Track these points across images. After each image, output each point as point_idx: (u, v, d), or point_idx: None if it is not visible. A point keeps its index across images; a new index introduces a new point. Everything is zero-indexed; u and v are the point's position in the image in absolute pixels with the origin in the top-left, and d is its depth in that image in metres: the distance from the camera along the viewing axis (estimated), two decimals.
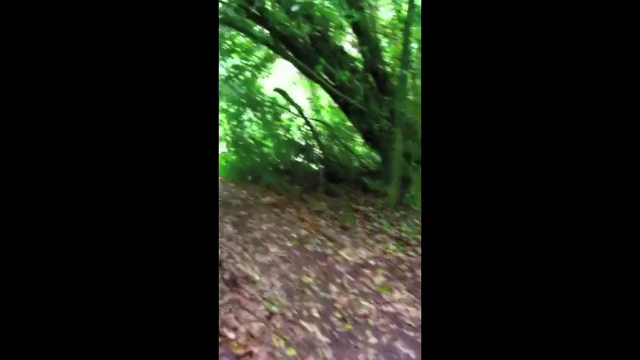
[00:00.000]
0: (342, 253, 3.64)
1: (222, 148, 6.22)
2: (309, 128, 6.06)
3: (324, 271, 3.30)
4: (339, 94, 4.96)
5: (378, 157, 5.93)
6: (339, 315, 2.75)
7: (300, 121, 6.13)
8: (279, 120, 6.23)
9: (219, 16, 3.46)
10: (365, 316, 2.75)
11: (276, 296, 2.86)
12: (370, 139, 5.58)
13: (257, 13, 4.30)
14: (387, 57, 5.56)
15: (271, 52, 5.56)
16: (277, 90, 5.91)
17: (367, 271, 3.36)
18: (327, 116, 6.69)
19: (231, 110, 5.94)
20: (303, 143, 6.18)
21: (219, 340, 2.35)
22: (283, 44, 4.87)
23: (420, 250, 3.69)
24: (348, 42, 5.84)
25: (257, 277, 3.06)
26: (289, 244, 3.70)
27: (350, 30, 5.28)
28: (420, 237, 3.89)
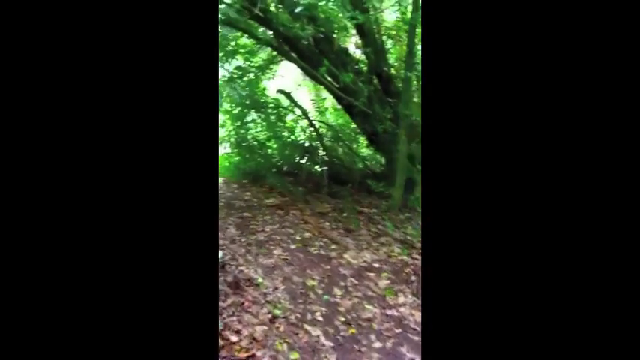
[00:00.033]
0: (347, 255, 3.61)
1: (226, 149, 6.21)
2: (313, 130, 6.03)
3: (328, 274, 3.27)
4: (343, 95, 4.94)
5: (382, 160, 5.91)
6: (343, 318, 2.72)
7: (304, 122, 6.11)
8: (283, 121, 6.20)
9: (222, 18, 3.45)
10: (369, 320, 2.73)
11: (279, 299, 2.84)
12: (374, 141, 5.55)
13: (260, 15, 4.28)
14: (391, 59, 5.54)
15: (275, 53, 5.54)
16: (281, 91, 5.89)
17: (372, 274, 3.33)
18: (331, 118, 6.66)
19: (235, 112, 5.92)
20: (307, 145, 6.15)
21: (222, 343, 2.33)
22: (287, 46, 4.85)
23: None
24: (352, 44, 5.82)
25: (260, 280, 3.03)
26: (293, 247, 3.68)
27: (354, 32, 5.26)
28: None
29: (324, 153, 6.00)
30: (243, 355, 2.28)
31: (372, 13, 4.72)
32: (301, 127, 6.27)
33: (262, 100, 6.02)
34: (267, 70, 6.10)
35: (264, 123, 6.17)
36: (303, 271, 3.28)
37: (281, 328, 2.54)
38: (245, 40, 5.79)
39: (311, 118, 6.04)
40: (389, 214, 4.64)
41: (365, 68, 5.29)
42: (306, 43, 4.88)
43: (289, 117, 6.27)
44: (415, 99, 5.02)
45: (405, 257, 3.65)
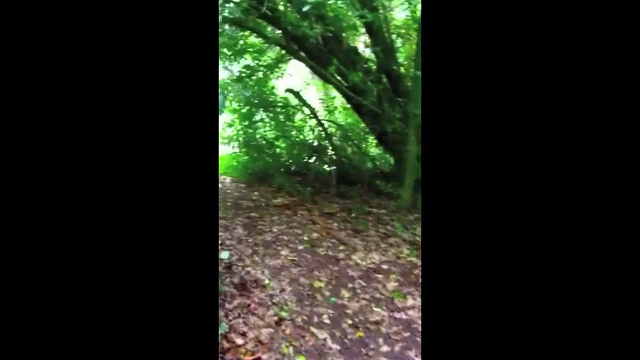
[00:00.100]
0: (355, 257, 3.57)
1: (235, 148, 6.19)
2: (321, 129, 6.00)
3: (336, 276, 3.24)
4: (352, 95, 4.90)
5: (391, 159, 5.86)
6: (350, 321, 2.69)
7: (313, 121, 6.08)
8: (292, 121, 6.18)
9: (230, 17, 3.42)
10: (377, 323, 2.69)
11: (286, 301, 2.81)
12: (383, 140, 5.51)
13: (269, 14, 4.26)
14: (400, 58, 5.49)
15: (284, 52, 5.51)
16: (289, 90, 5.86)
17: (380, 276, 3.29)
18: (340, 117, 6.62)
19: (244, 111, 5.91)
20: (315, 144, 6.12)
21: (228, 345, 2.31)
22: (295, 45, 4.82)
23: None
24: (361, 42, 5.78)
25: (267, 281, 3.01)
26: (300, 247, 3.65)
27: (363, 30, 5.22)
28: None
29: (333, 152, 5.97)
30: (249, 358, 2.25)
31: (381, 11, 4.67)
32: (310, 126, 6.24)
33: (271, 99, 6.00)
34: (276, 69, 6.08)
35: (272, 122, 6.15)
36: (310, 272, 3.25)
37: (287, 331, 2.51)
38: (254, 39, 5.77)
39: (320, 118, 6.01)
40: (398, 214, 4.59)
41: (374, 67, 5.25)
42: (314, 42, 4.84)
43: (298, 116, 6.25)
44: None
45: (413, 259, 3.61)
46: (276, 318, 2.60)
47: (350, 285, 3.12)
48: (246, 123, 6.02)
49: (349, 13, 4.58)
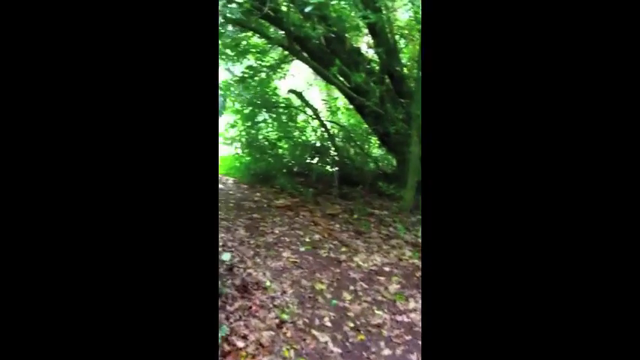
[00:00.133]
0: (356, 259, 3.56)
1: (237, 149, 6.18)
2: (324, 130, 5.98)
3: (337, 278, 3.22)
4: (355, 95, 4.88)
5: (393, 161, 5.84)
6: (351, 324, 2.67)
7: (316, 122, 6.06)
8: (295, 121, 6.16)
9: (232, 17, 3.41)
10: (379, 326, 2.67)
11: (287, 303, 2.80)
12: (386, 141, 5.49)
13: (271, 14, 4.24)
14: (404, 58, 5.47)
15: (286, 53, 5.50)
16: (292, 91, 5.85)
17: (382, 279, 3.28)
18: (342, 118, 6.60)
19: (246, 111, 5.89)
20: (318, 145, 6.10)
21: (229, 349, 2.30)
22: (298, 45, 4.80)
23: None
24: (364, 43, 5.76)
25: (268, 283, 3.00)
26: (302, 249, 3.64)
27: (366, 31, 5.20)
28: None
29: (336, 153, 5.95)
30: None
31: (384, 12, 4.65)
32: (312, 127, 6.22)
33: (273, 100, 5.99)
34: (279, 70, 6.06)
35: (275, 123, 6.13)
36: (312, 274, 3.23)
37: (288, 334, 2.50)
38: (256, 40, 5.76)
39: (322, 118, 5.99)
40: (400, 216, 4.57)
41: (377, 68, 5.23)
42: (317, 42, 4.83)
43: (300, 117, 6.23)
44: None
45: (416, 261, 3.59)
46: (277, 321, 2.59)
47: (352, 287, 3.11)
48: (249, 124, 6.00)
49: (352, 14, 4.56)
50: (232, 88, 5.74)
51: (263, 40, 5.48)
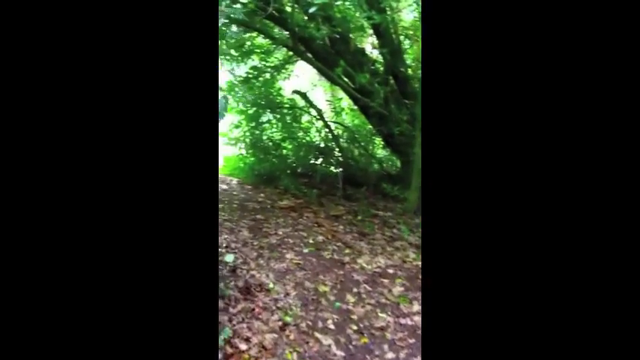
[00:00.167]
0: (360, 260, 3.54)
1: (241, 150, 6.17)
2: (328, 131, 5.97)
3: (341, 280, 3.21)
4: (359, 96, 4.87)
5: (398, 162, 5.82)
6: (355, 327, 2.66)
7: (320, 123, 6.04)
8: (299, 122, 6.15)
9: (237, 18, 3.40)
10: (382, 329, 2.66)
11: (290, 305, 2.78)
12: (390, 142, 5.47)
13: (276, 14, 4.23)
14: (408, 59, 5.44)
15: (291, 53, 5.48)
16: (296, 92, 5.84)
17: (385, 281, 3.26)
18: (347, 119, 6.58)
19: (250, 112, 5.89)
20: (322, 146, 6.09)
21: (231, 351, 2.29)
22: (302, 46, 4.79)
23: None
24: (369, 44, 5.74)
25: (271, 285, 2.98)
26: (305, 251, 3.62)
27: (371, 32, 5.18)
28: None
29: (340, 154, 5.93)
30: None
31: (389, 13, 4.63)
32: (316, 127, 6.21)
33: (278, 101, 5.98)
34: (283, 70, 6.05)
35: (279, 123, 6.11)
36: (315, 276, 3.22)
37: (291, 337, 2.48)
38: (261, 40, 5.76)
39: (326, 119, 5.97)
40: (404, 217, 4.56)
41: (381, 69, 5.21)
42: (321, 43, 4.81)
43: (304, 118, 6.21)
44: None
45: (419, 263, 3.57)
46: (280, 323, 2.58)
47: (355, 289, 3.09)
48: (253, 124, 5.99)
49: (356, 15, 4.55)
50: (237, 89, 5.74)
51: (267, 40, 5.47)
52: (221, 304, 2.62)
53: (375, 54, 5.49)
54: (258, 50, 5.77)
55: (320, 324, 2.65)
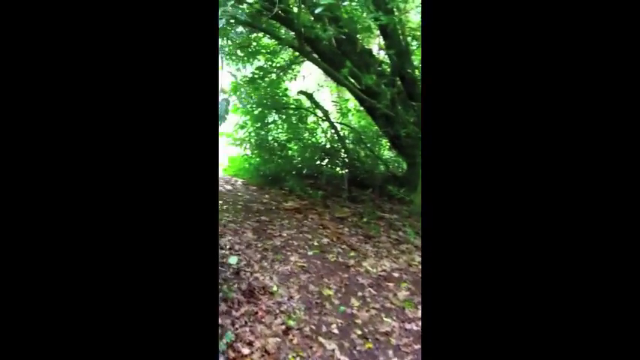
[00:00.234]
0: (365, 264, 3.51)
1: (247, 150, 6.15)
2: (334, 132, 5.93)
3: (346, 283, 3.17)
4: (366, 97, 4.83)
5: (404, 164, 5.78)
6: (359, 332, 2.62)
7: (326, 124, 6.01)
8: (305, 123, 6.11)
9: (242, 19, 3.38)
10: (387, 334, 2.62)
11: (294, 309, 2.75)
12: (397, 144, 5.43)
13: (282, 15, 4.20)
14: (415, 61, 5.40)
15: (297, 54, 5.46)
16: (302, 92, 5.81)
17: (391, 285, 3.22)
18: (353, 120, 6.54)
19: (256, 112, 5.86)
20: (328, 147, 6.05)
21: (234, 355, 2.26)
22: (309, 46, 4.76)
23: None
24: (376, 45, 5.71)
25: (275, 288, 2.95)
26: (310, 253, 3.59)
27: (378, 33, 5.14)
28: None
29: (345, 155, 5.90)
30: None
31: (396, 14, 4.59)
32: (322, 128, 6.17)
33: (284, 101, 5.95)
34: (289, 71, 6.02)
35: (284, 124, 6.09)
36: (319, 279, 3.19)
37: (295, 341, 2.45)
38: (267, 41, 5.73)
39: (332, 120, 5.94)
40: (410, 220, 4.52)
41: (388, 70, 5.17)
42: (328, 43, 4.78)
43: (310, 118, 6.18)
44: None
45: None
46: (283, 327, 2.55)
47: (360, 293, 3.06)
48: (259, 125, 5.97)
49: (364, 15, 4.51)
50: (242, 89, 5.71)
51: (273, 41, 5.44)
52: (224, 307, 2.60)
53: (382, 55, 5.46)
54: (264, 51, 5.75)
55: (324, 328, 2.61)
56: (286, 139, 6.14)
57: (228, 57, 5.29)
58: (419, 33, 5.28)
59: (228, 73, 5.00)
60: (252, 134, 6.02)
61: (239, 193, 5.17)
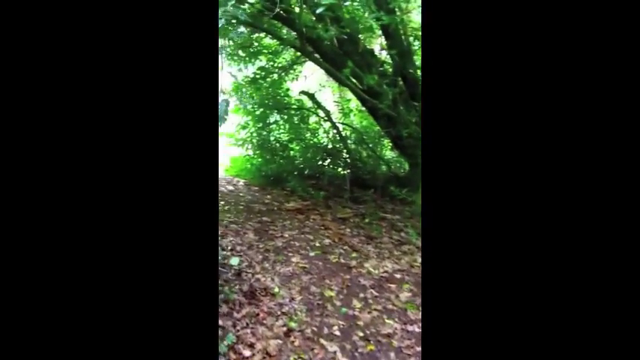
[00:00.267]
0: (367, 265, 3.49)
1: (248, 150, 6.14)
2: (336, 132, 5.91)
3: (347, 285, 3.16)
4: (367, 98, 4.81)
5: (406, 164, 5.76)
6: (361, 334, 2.61)
7: (328, 124, 6.00)
8: (306, 123, 6.10)
9: (242, 19, 3.36)
10: (389, 336, 2.61)
11: (295, 311, 2.74)
12: (399, 145, 5.41)
13: (284, 15, 4.19)
14: (417, 61, 5.38)
15: (299, 54, 5.44)
16: (304, 93, 5.79)
17: (393, 286, 3.21)
18: (355, 120, 6.52)
19: (257, 113, 5.85)
20: (329, 147, 6.04)
21: (235, 357, 2.25)
22: (310, 46, 4.74)
23: None
24: (377, 45, 5.69)
25: (277, 290, 2.94)
26: (312, 254, 3.58)
27: (380, 33, 5.12)
28: None
29: (347, 156, 5.88)
30: None
31: (398, 13, 4.57)
32: (324, 129, 6.16)
33: (285, 102, 5.93)
34: (291, 71, 6.01)
35: (286, 124, 6.07)
36: (321, 280, 3.18)
37: (296, 343, 2.44)
38: (269, 41, 5.72)
39: (334, 120, 5.92)
40: (412, 220, 4.50)
41: (390, 70, 5.15)
42: (329, 44, 4.76)
43: (312, 119, 6.16)
44: None
45: None
46: (285, 329, 2.54)
47: (362, 295, 3.04)
48: (260, 125, 5.96)
49: (365, 15, 4.50)
50: (244, 89, 5.70)
51: (275, 41, 5.43)
52: (225, 308, 2.59)
53: (383, 55, 5.44)
54: (266, 51, 5.73)
55: (325, 330, 2.60)
56: (288, 139, 6.13)
57: (229, 57, 5.28)
58: (421, 33, 5.26)
59: (229, 74, 4.99)
60: (254, 135, 6.01)
61: (241, 194, 5.16)
